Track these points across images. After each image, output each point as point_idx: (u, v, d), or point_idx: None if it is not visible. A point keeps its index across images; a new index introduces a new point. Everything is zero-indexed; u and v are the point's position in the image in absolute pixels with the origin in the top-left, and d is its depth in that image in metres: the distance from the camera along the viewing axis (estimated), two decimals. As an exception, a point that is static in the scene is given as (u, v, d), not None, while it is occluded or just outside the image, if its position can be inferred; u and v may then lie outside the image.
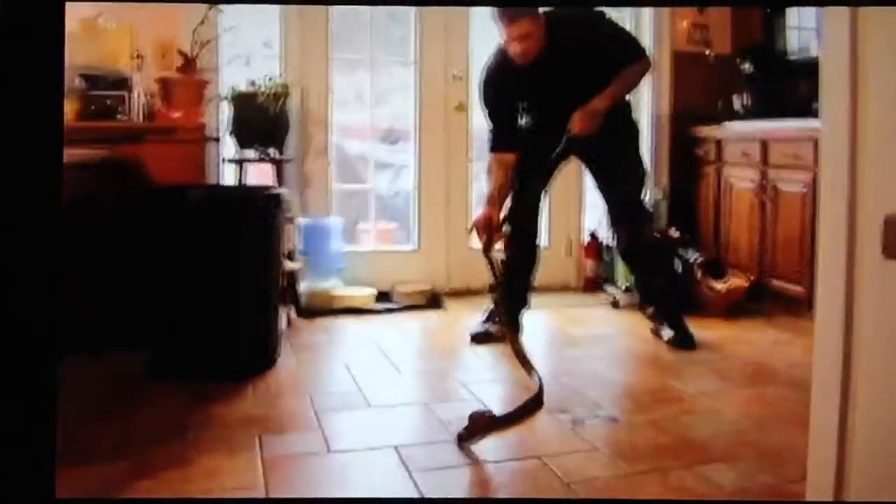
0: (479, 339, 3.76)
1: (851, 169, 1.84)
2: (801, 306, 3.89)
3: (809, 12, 4.52)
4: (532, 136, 3.74)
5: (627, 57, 3.64)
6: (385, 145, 5.18)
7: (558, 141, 3.60)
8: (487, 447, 2.46)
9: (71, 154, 2.90)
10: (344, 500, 2.19)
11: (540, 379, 2.96)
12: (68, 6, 3.98)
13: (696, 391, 3.04)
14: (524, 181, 3.75)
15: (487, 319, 3.86)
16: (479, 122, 4.94)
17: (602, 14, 3.70)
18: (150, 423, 2.66)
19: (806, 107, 4.09)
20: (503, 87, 3.68)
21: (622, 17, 5.13)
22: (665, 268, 4.17)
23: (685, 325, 3.73)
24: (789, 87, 4.47)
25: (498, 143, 3.73)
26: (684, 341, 3.65)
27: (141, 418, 2.71)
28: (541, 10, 3.53)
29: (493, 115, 3.75)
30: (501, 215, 3.63)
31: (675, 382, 3.15)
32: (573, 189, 5.00)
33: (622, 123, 3.77)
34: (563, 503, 2.16)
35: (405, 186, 5.05)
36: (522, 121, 3.78)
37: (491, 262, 3.48)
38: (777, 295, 4.22)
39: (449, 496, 2.20)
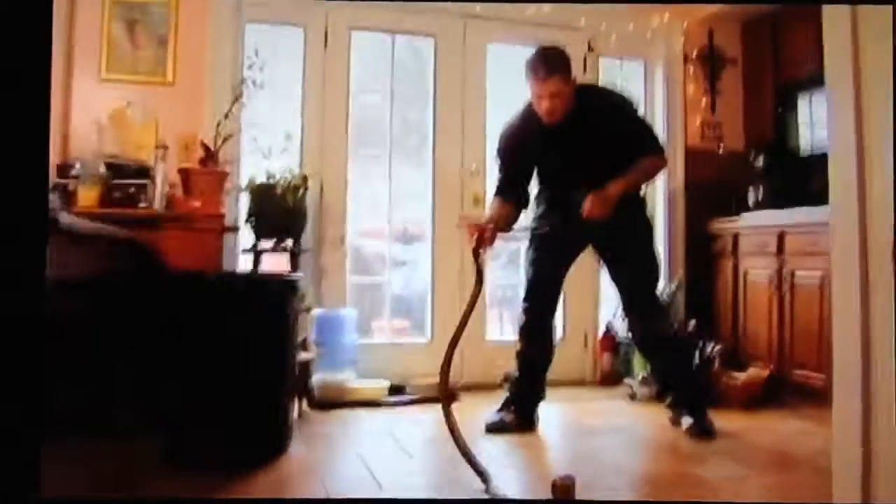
0: (493, 428, 3.67)
1: (862, 249, 1.88)
2: (823, 397, 3.82)
3: (822, 108, 4.56)
4: (545, 221, 3.79)
5: (647, 146, 3.66)
6: (400, 244, 5.20)
7: (570, 223, 3.61)
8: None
9: (99, 228, 2.97)
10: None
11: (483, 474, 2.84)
12: (100, 97, 4.16)
13: (716, 477, 2.96)
14: (539, 273, 3.76)
15: (502, 409, 3.79)
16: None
17: (630, 99, 3.74)
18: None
19: (820, 199, 4.09)
20: (522, 145, 3.68)
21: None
22: (684, 357, 4.04)
23: (706, 413, 3.65)
24: (803, 181, 4.49)
25: (502, 190, 3.71)
26: (704, 430, 3.56)
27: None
28: (573, 76, 3.57)
29: (503, 166, 3.75)
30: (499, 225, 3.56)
31: (695, 469, 3.08)
32: (589, 283, 5.00)
33: (637, 217, 3.78)
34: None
35: (419, 286, 5.05)
36: (534, 194, 3.80)
37: (478, 268, 3.32)
38: (798, 386, 4.16)
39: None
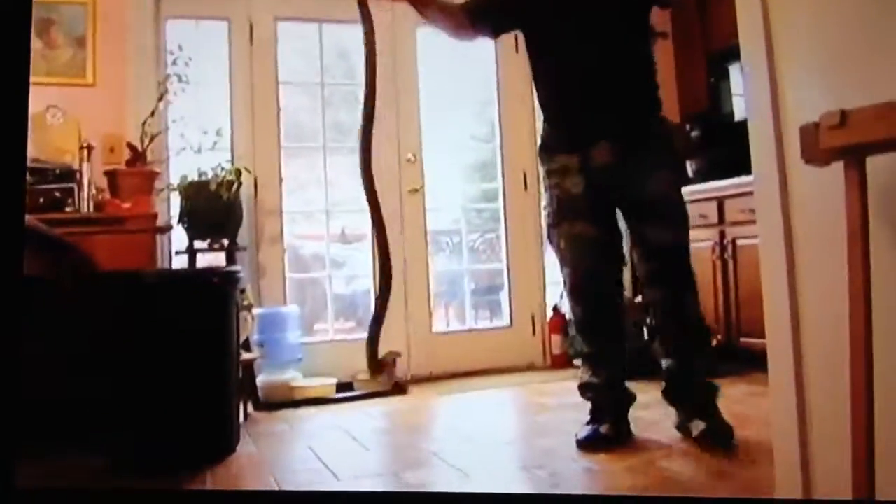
0: (589, 444, 2.95)
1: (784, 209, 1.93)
2: (770, 362, 3.84)
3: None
4: (560, 183, 3.06)
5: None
6: (342, 245, 5.10)
7: (590, 181, 2.96)
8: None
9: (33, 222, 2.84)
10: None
11: None
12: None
13: (671, 439, 2.95)
14: (576, 255, 3.05)
15: (593, 420, 3.07)
16: (435, 204, 4.97)
17: None
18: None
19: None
20: None
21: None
22: (705, 347, 3.26)
23: (720, 413, 2.93)
24: (739, 149, 4.53)
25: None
26: (724, 434, 2.84)
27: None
28: None
29: None
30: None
31: (651, 435, 3.04)
32: (533, 263, 5.00)
33: (666, 157, 3.06)
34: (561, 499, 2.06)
35: (361, 286, 4.96)
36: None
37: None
38: (746, 353, 4.16)
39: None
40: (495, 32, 3.39)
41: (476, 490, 2.52)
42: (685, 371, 2.99)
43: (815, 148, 1.38)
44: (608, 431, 2.98)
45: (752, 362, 4.08)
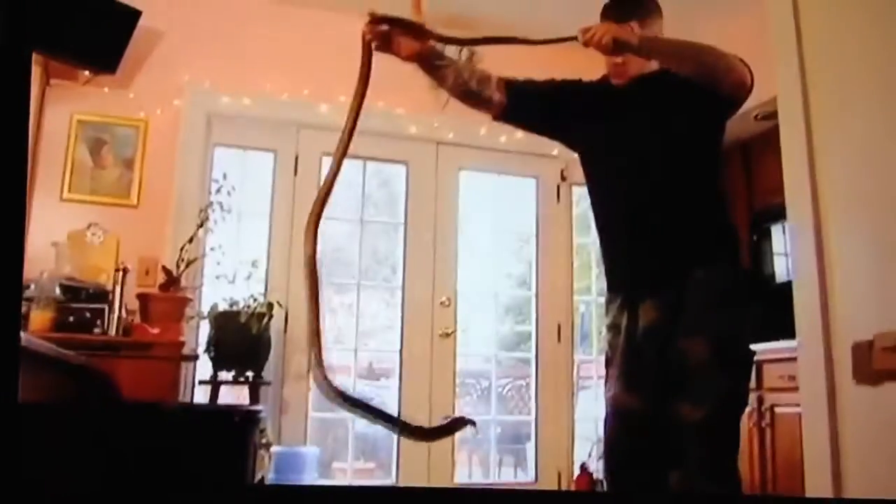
0: None
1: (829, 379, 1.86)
2: (811, 535, 3.63)
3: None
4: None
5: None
6: (367, 380, 5.02)
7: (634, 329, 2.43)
8: None
9: (54, 349, 2.77)
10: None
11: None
12: (60, 217, 4.02)
13: None
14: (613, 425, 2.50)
15: None
16: (465, 349, 4.88)
17: None
18: None
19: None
20: (576, 87, 2.63)
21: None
22: None
23: None
24: (780, 311, 4.44)
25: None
26: None
27: None
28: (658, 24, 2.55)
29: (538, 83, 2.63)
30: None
31: None
32: (563, 416, 4.83)
33: (729, 309, 2.42)
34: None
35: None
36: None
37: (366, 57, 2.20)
38: (786, 526, 3.96)
39: None
40: (529, 130, 2.84)
41: None
42: None
43: (868, 368, 1.33)
44: None
45: (791, 536, 3.88)
